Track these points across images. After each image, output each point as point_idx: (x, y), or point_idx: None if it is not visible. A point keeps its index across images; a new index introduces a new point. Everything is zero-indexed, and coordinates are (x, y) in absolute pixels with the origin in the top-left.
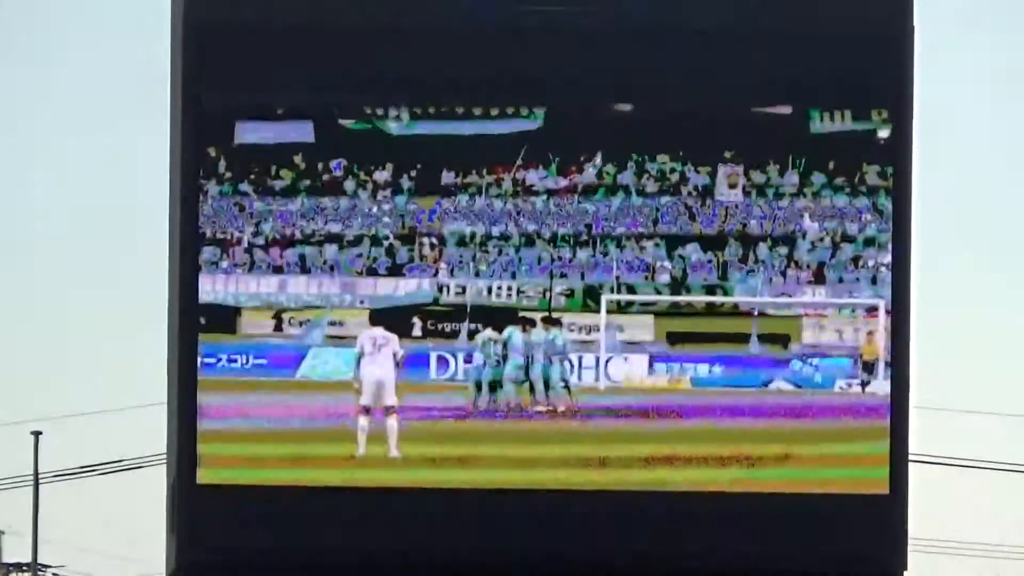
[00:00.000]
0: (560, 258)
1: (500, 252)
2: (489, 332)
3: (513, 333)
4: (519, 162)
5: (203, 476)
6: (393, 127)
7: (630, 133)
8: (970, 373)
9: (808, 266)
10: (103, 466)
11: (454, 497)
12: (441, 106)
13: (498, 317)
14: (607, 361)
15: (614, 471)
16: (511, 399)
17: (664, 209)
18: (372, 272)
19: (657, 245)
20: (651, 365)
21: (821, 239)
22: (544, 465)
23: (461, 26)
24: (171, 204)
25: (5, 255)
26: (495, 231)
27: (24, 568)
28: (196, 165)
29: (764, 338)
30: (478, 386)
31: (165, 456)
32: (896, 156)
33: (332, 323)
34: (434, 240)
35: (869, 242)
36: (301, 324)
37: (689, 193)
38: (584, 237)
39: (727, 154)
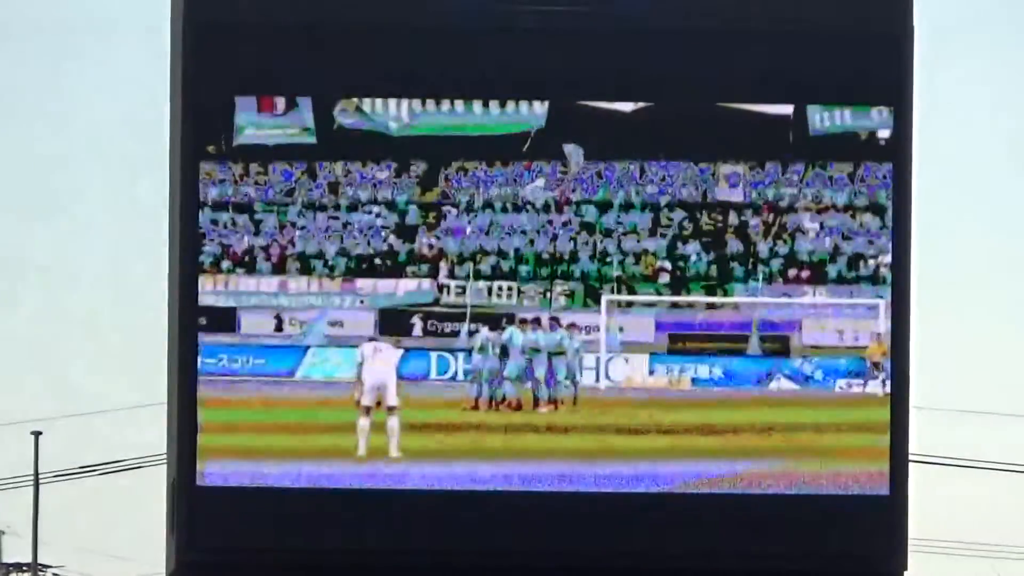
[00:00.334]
0: (561, 259)
1: (500, 252)
2: (489, 332)
3: (514, 333)
4: (519, 162)
5: (203, 476)
6: (393, 127)
7: (630, 133)
8: (970, 373)
9: (808, 266)
10: (103, 466)
11: (454, 497)
12: (441, 106)
13: (498, 317)
14: (607, 361)
15: (614, 471)
16: (512, 399)
17: (664, 209)
18: (372, 272)
19: (657, 245)
20: (651, 365)
21: (821, 239)
22: (544, 465)
23: (461, 25)
24: (171, 204)
25: (5, 255)
26: (495, 231)
27: (24, 568)
28: (196, 165)
29: (764, 338)
30: (479, 386)
31: (165, 456)
32: (896, 155)
33: (332, 323)
34: (434, 240)
35: (869, 242)
36: (301, 324)
37: (689, 193)
38: (585, 237)
39: (727, 154)
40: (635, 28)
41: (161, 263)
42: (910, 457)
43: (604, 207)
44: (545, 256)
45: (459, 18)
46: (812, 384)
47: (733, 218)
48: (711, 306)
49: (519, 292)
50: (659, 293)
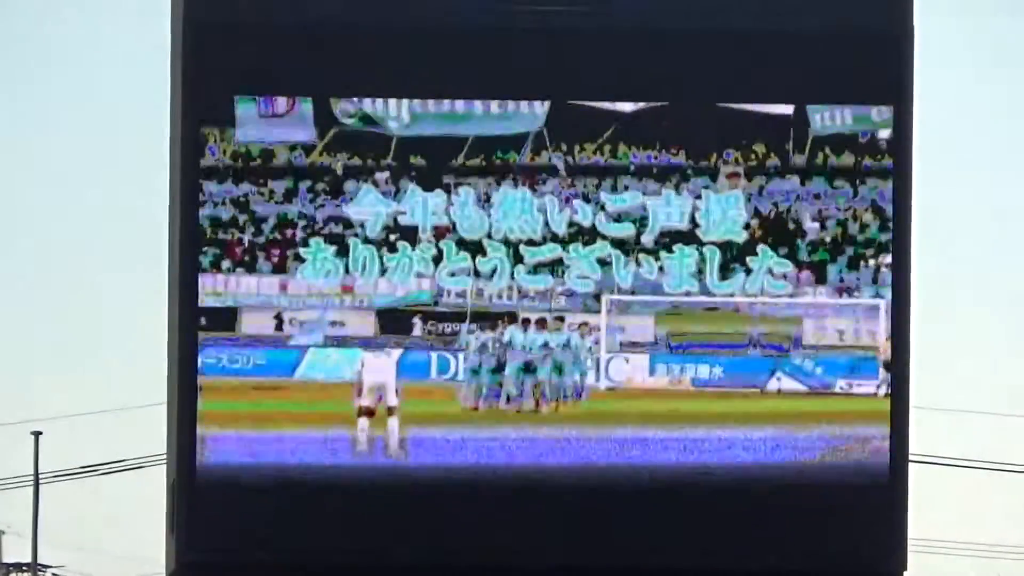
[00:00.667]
0: (561, 258)
1: (501, 252)
2: (489, 332)
3: (514, 333)
4: (520, 162)
5: (203, 476)
6: (394, 126)
7: (630, 133)
8: (970, 373)
9: (808, 266)
10: (103, 466)
11: (454, 497)
12: (442, 105)
13: (499, 317)
14: (608, 362)
15: (614, 471)
16: (512, 399)
17: (664, 209)
18: (372, 272)
19: (657, 244)
20: (652, 365)
21: (821, 239)
22: (545, 465)
23: (462, 25)
24: (171, 204)
25: (5, 255)
26: (496, 231)
27: (24, 568)
28: (196, 165)
29: (765, 338)
30: (479, 386)
31: (165, 456)
32: (896, 155)
33: (332, 323)
34: (435, 240)
35: (870, 242)
36: (301, 324)
37: (689, 193)
38: (585, 237)
39: (727, 154)
40: (635, 28)
41: (161, 263)
42: (910, 457)
43: (604, 206)
44: (546, 256)
45: (459, 18)
46: (812, 384)
47: (733, 218)
48: (711, 306)
49: (519, 292)
50: (659, 294)
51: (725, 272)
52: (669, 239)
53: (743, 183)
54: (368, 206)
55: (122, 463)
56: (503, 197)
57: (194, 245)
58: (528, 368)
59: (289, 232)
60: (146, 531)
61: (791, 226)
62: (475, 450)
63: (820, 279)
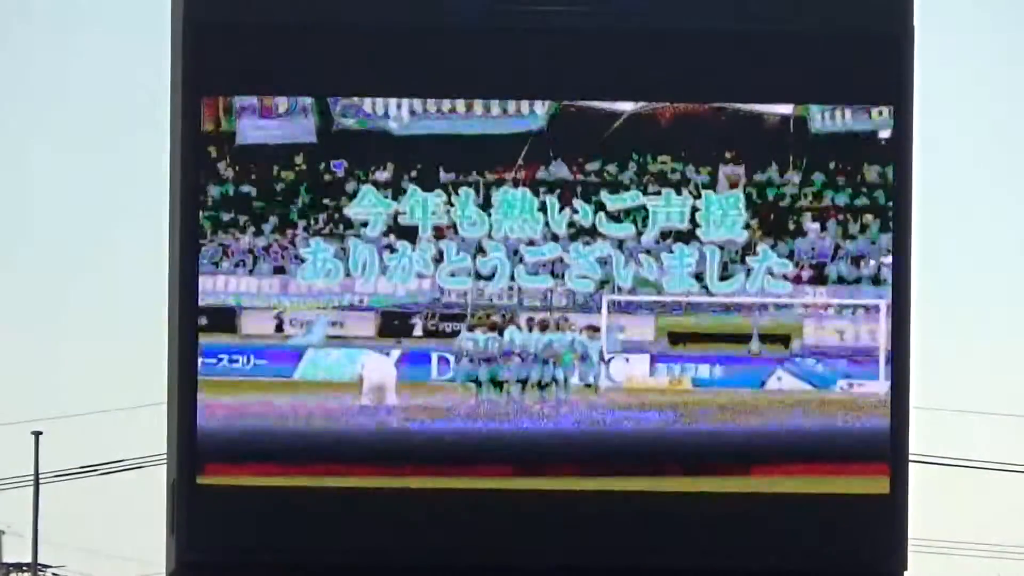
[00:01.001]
0: (561, 258)
1: (501, 252)
2: (490, 332)
3: (514, 333)
4: (520, 162)
5: (203, 476)
6: (394, 127)
7: (630, 133)
8: (970, 373)
9: (808, 266)
10: (103, 466)
11: (455, 497)
12: (442, 106)
13: (499, 317)
14: (608, 361)
15: (614, 471)
16: (512, 399)
17: (664, 209)
18: (372, 272)
19: (658, 244)
20: (652, 365)
21: (822, 239)
22: (545, 465)
23: (462, 25)
24: (171, 204)
25: (5, 255)
26: (496, 231)
27: (24, 568)
28: (196, 165)
29: (765, 338)
30: (479, 387)
31: (165, 456)
32: (897, 156)
33: (332, 323)
34: (435, 240)
35: (870, 242)
36: (301, 324)
37: (690, 193)
38: (585, 237)
39: (727, 154)
40: (635, 28)
41: (161, 263)
42: (910, 457)
43: (604, 207)
44: (546, 256)
45: (459, 18)
46: (812, 384)
47: (733, 218)
48: (712, 306)
49: (520, 292)
50: (660, 293)
51: (725, 272)
52: (669, 239)
53: (743, 183)
54: (368, 206)
55: (122, 463)
56: (503, 197)
57: (194, 245)
58: (528, 368)
59: (289, 232)
60: (146, 531)
61: (791, 226)
62: (475, 450)
63: (820, 279)
